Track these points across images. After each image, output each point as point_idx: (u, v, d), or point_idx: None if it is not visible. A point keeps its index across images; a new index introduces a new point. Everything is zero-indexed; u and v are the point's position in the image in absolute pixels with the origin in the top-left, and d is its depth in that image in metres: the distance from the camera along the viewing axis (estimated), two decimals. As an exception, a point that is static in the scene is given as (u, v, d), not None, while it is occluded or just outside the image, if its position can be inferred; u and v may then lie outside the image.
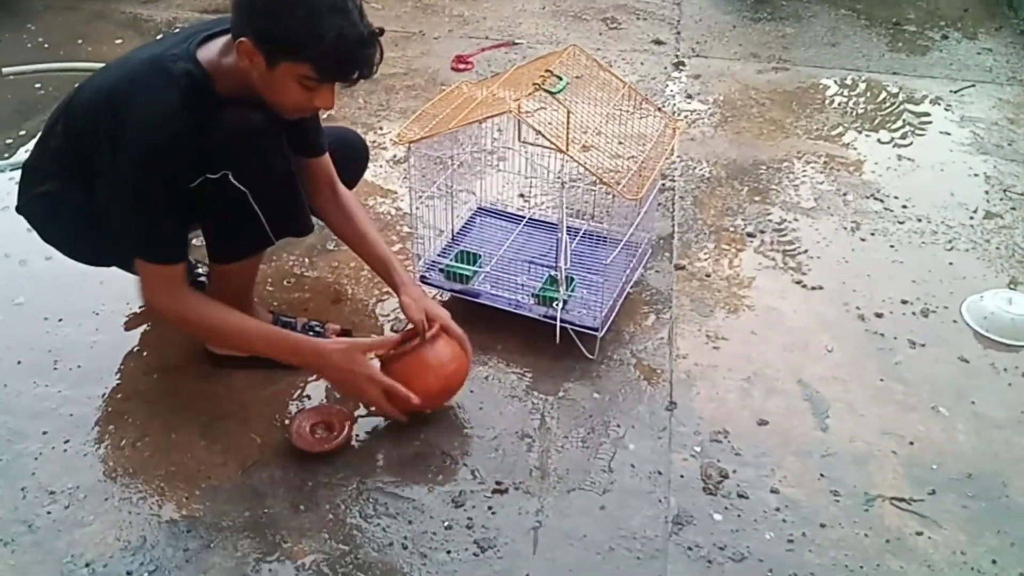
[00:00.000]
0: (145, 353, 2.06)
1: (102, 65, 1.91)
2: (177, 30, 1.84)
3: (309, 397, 1.95)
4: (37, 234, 1.94)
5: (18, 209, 1.91)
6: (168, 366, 2.02)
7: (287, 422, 1.86)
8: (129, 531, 1.65)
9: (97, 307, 2.17)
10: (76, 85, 1.83)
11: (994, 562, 1.63)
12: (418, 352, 1.80)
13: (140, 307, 2.16)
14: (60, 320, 2.13)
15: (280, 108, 1.68)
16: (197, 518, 1.67)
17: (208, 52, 1.67)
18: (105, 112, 1.66)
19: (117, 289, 2.17)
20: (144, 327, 2.12)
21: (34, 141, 1.93)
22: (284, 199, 1.81)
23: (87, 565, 1.59)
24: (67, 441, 1.83)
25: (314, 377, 1.97)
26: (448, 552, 1.62)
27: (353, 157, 2.18)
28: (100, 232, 1.79)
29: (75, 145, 1.76)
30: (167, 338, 2.08)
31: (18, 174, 1.94)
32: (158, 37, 1.89)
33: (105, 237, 1.80)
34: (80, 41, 3.52)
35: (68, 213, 1.84)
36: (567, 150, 1.82)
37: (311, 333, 2.02)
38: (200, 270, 2.16)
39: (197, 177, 1.67)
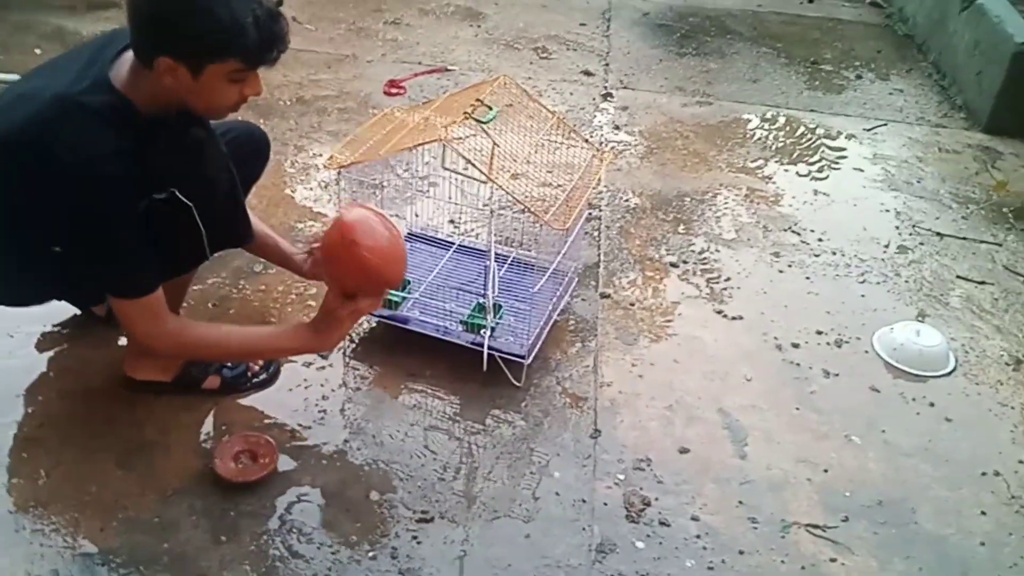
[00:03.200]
0: (60, 377, 2.00)
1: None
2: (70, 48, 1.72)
3: (232, 425, 1.91)
4: None
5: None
6: (84, 391, 1.96)
7: (211, 449, 1.83)
8: (40, 565, 1.59)
9: (10, 329, 2.10)
10: None
11: (902, 586, 1.70)
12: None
13: (56, 327, 2.10)
14: (-31, 343, 2.05)
15: (213, 111, 1.66)
16: (113, 550, 1.62)
17: (119, 76, 1.59)
18: (24, 161, 1.56)
19: (32, 311, 2.10)
20: (59, 349, 2.06)
21: None
22: (230, 209, 1.78)
23: (-7, 600, 1.53)
24: (-26, 471, 1.76)
25: (241, 398, 1.97)
26: (372, 583, 1.61)
27: (255, 152, 2.05)
28: (37, 271, 1.72)
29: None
30: (83, 361, 2.03)
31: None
32: (47, 60, 1.76)
33: (44, 275, 1.73)
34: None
35: None
36: (492, 178, 1.84)
37: (234, 358, 2.00)
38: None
39: (143, 200, 1.61)
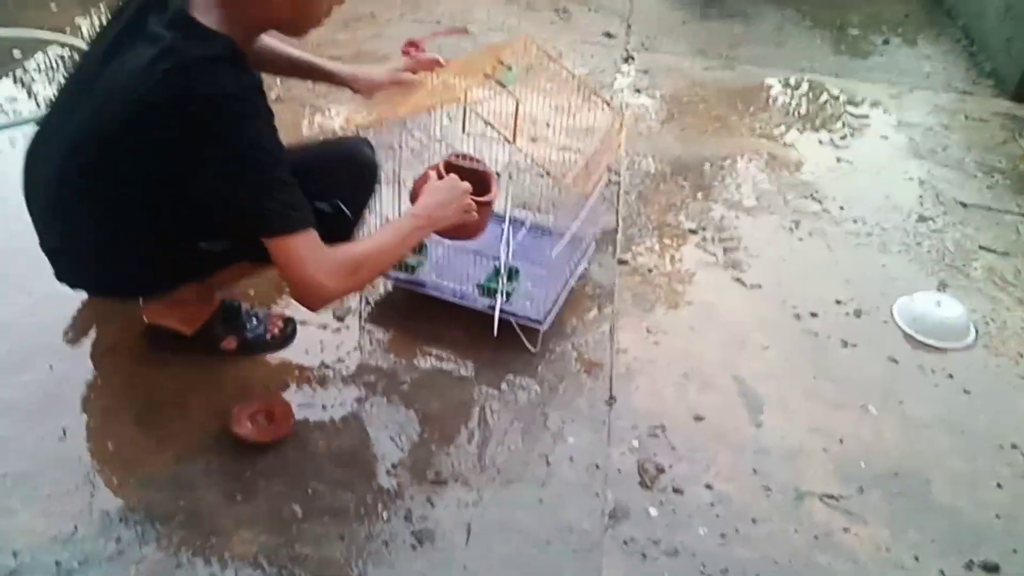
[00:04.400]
0: (78, 337, 2.01)
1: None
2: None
3: (249, 386, 1.92)
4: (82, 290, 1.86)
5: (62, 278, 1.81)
6: (103, 350, 1.98)
7: (228, 410, 1.83)
8: (58, 520, 1.61)
9: (29, 288, 2.11)
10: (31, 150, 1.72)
11: (916, 558, 1.69)
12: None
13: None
14: (-12, 300, 2.07)
15: (308, 22, 1.61)
16: (130, 508, 1.64)
17: (207, 14, 1.52)
18: (161, 121, 1.48)
19: (48, 269, 2.11)
20: (77, 308, 2.07)
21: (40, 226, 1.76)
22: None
23: (14, 555, 1.55)
24: (-5, 427, 1.78)
25: (258, 359, 1.99)
26: (386, 544, 1.62)
27: (359, 179, 1.89)
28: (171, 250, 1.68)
29: (107, 178, 1.60)
30: (103, 319, 2.04)
31: None
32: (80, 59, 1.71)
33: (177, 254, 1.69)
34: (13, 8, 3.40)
35: (114, 252, 1.69)
36: (515, 141, 1.82)
37: (254, 320, 2.00)
38: None
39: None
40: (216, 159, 1.50)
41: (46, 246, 1.76)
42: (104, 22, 1.69)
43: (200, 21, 1.51)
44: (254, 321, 1.99)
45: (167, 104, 1.46)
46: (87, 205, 1.64)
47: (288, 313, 2.08)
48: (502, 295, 2.01)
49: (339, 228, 1.72)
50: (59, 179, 1.66)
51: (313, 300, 1.63)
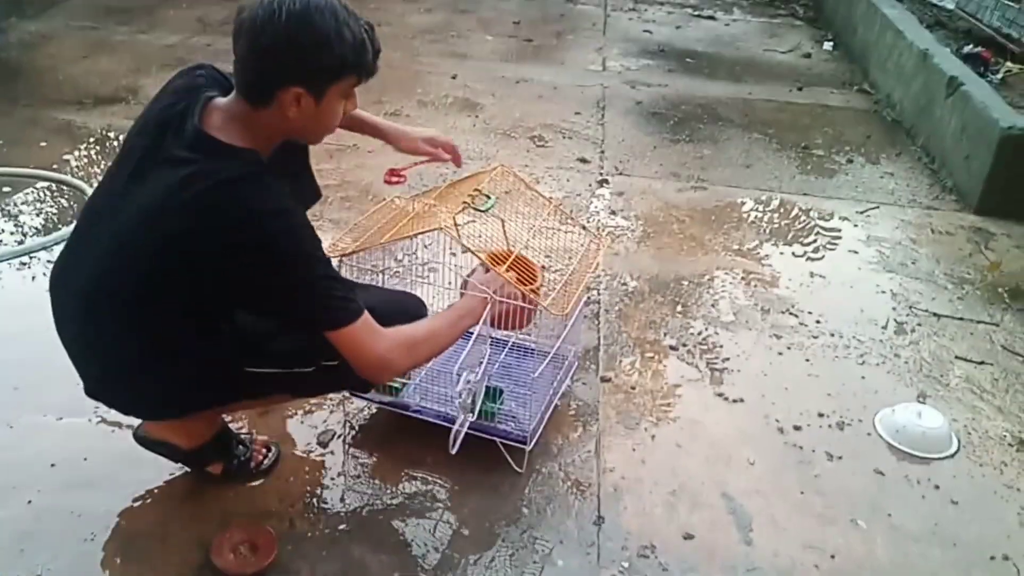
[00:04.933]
0: (59, 468, 1.98)
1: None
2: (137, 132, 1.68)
3: (231, 514, 1.89)
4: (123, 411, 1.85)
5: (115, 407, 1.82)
6: (82, 482, 1.95)
7: (210, 540, 1.80)
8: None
9: (9, 419, 2.10)
10: (59, 264, 1.74)
11: (915, 677, 1.66)
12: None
13: (55, 417, 2.09)
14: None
15: (325, 132, 1.70)
16: (107, 647, 1.59)
17: (227, 134, 1.57)
18: (188, 249, 1.54)
19: (30, 399, 2.11)
20: (53, 438, 2.05)
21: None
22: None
23: None
24: (-31, 565, 1.74)
25: (241, 486, 1.96)
26: None
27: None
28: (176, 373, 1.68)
29: (143, 289, 1.60)
30: (84, 451, 2.02)
31: None
32: (121, 151, 1.69)
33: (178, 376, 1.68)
34: (3, 147, 3.50)
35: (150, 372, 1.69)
36: (492, 267, 1.87)
37: (241, 447, 1.98)
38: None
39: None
40: (265, 275, 1.56)
41: (83, 372, 1.74)
42: (120, 145, 1.72)
43: (220, 139, 1.57)
44: (240, 448, 1.98)
45: (201, 230, 1.52)
46: (123, 333, 1.65)
47: (271, 440, 2.07)
48: (472, 413, 1.98)
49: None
50: (87, 308, 1.67)
51: (379, 376, 1.77)
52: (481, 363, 1.95)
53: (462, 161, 2.20)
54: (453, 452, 1.88)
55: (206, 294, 1.60)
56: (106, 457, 2.01)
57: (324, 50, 1.53)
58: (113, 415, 2.12)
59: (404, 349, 1.71)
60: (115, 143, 3.65)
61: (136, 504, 1.90)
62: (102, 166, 3.46)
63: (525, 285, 1.92)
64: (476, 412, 1.96)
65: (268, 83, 1.55)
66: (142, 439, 1.93)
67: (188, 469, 1.97)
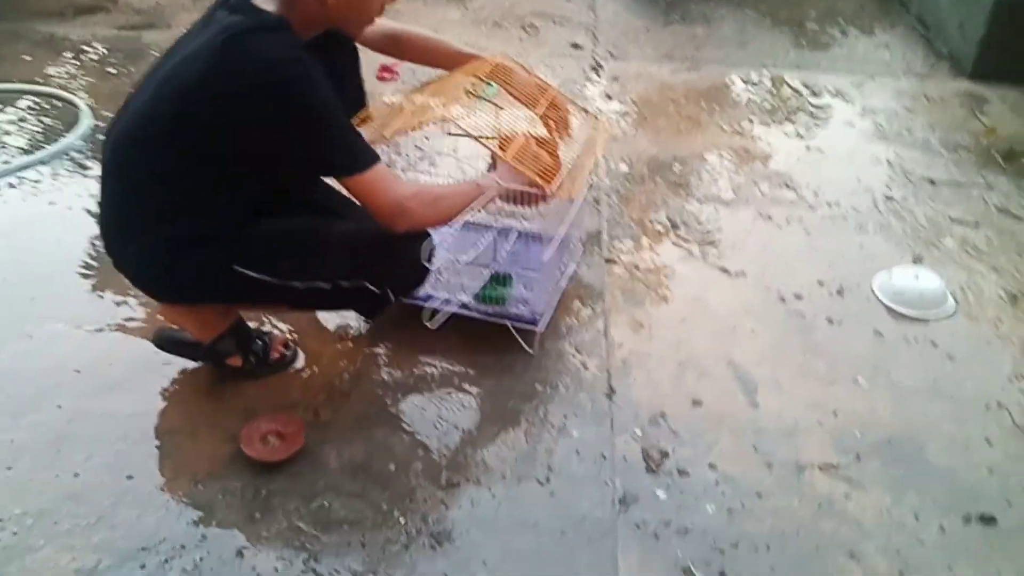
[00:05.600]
0: (83, 374, 2.04)
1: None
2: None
3: (256, 407, 1.96)
4: (145, 286, 1.86)
5: (120, 265, 1.83)
6: (109, 386, 2.01)
7: (238, 431, 1.87)
8: (81, 554, 1.64)
9: (29, 330, 2.15)
10: (118, 121, 1.77)
11: (916, 518, 1.75)
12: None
13: (76, 327, 2.15)
14: (-10, 346, 2.10)
15: (363, 23, 1.79)
16: (151, 535, 1.68)
17: (267, 4, 1.68)
18: (216, 89, 1.61)
19: (47, 310, 2.15)
20: (78, 345, 2.11)
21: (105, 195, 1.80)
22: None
23: (42, 588, 1.58)
24: (10, 468, 1.81)
25: (262, 381, 2.03)
26: (405, 547, 1.66)
27: (401, 276, 1.93)
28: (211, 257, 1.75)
29: (171, 149, 1.68)
30: (106, 357, 2.08)
31: None
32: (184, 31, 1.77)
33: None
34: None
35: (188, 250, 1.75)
36: (501, 155, 1.88)
37: (260, 341, 2.04)
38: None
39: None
40: (282, 118, 1.61)
41: (104, 216, 1.82)
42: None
43: (260, 6, 1.66)
44: (258, 343, 2.03)
45: (223, 73, 1.60)
46: (145, 184, 1.73)
47: (290, 338, 2.12)
48: (469, 297, 2.04)
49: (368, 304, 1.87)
50: (114, 157, 1.75)
51: (398, 220, 1.76)
52: (476, 247, 2.01)
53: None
54: (433, 327, 1.98)
55: (226, 147, 1.66)
56: (128, 362, 2.07)
57: None
58: (131, 323, 2.18)
59: (422, 200, 1.77)
60: (101, 52, 3.60)
61: (163, 405, 1.97)
62: (85, 80, 3.42)
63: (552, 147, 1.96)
64: (472, 296, 2.02)
65: None
66: (161, 339, 1.99)
67: (209, 367, 2.03)
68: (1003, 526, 1.74)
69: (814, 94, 3.44)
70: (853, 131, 3.19)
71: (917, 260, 2.49)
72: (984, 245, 2.57)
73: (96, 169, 2.81)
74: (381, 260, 1.83)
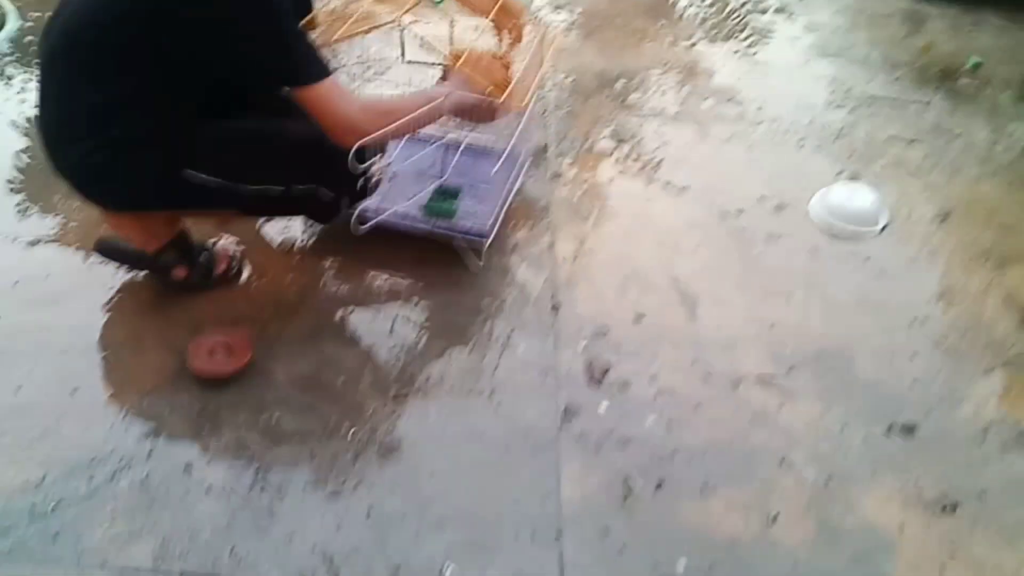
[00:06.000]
0: (21, 286, 2.00)
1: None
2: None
3: (203, 321, 1.95)
4: (88, 194, 1.80)
5: (62, 171, 1.77)
6: (49, 299, 1.97)
7: (185, 346, 1.86)
8: (26, 468, 1.63)
9: (-38, 243, 2.08)
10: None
11: (843, 428, 1.85)
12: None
13: (23, 241, 2.09)
14: (-77, 259, 2.03)
15: None
16: (98, 449, 1.67)
17: None
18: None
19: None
20: (9, 258, 2.05)
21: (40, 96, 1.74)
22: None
23: (-12, 504, 1.58)
24: (-51, 382, 1.78)
25: (209, 295, 2.00)
26: (355, 459, 1.70)
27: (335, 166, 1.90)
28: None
29: (113, 54, 1.63)
30: (44, 270, 2.03)
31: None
32: None
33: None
34: None
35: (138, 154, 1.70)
36: (453, 64, 1.85)
37: (204, 254, 2.01)
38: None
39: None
40: (230, 24, 1.56)
41: (44, 120, 1.75)
42: None
43: None
44: (204, 254, 2.00)
45: None
46: (90, 79, 1.66)
47: (236, 250, 2.09)
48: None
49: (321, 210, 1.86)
50: (62, 51, 1.68)
51: (348, 136, 1.71)
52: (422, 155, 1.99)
53: None
54: (357, 233, 1.95)
55: (171, 47, 1.60)
56: (67, 275, 2.03)
57: None
58: (68, 232, 2.13)
59: (373, 114, 1.74)
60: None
61: (105, 318, 1.94)
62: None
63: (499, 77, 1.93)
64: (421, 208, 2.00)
65: None
66: (103, 246, 1.95)
67: (152, 281, 2.00)
68: (922, 435, 1.85)
69: (759, 11, 3.43)
70: (796, 47, 3.20)
71: (854, 177, 2.56)
72: (919, 163, 2.65)
73: (20, 77, 2.69)
74: (337, 164, 1.80)
